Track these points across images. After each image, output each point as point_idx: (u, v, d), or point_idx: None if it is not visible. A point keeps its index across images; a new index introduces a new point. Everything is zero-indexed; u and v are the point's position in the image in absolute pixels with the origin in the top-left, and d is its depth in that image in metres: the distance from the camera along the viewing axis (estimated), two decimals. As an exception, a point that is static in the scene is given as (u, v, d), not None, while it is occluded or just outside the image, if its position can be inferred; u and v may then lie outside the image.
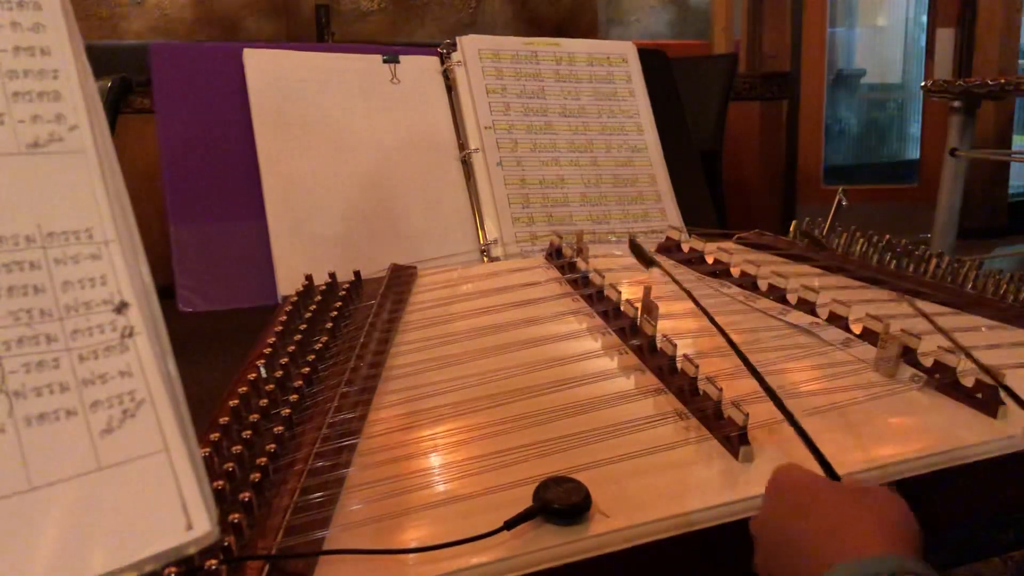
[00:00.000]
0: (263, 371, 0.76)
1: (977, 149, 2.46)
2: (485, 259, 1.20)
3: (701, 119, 2.33)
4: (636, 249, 0.85)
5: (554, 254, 1.10)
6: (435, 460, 0.64)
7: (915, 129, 3.88)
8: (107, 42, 3.10)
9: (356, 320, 0.91)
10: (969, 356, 0.66)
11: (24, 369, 0.34)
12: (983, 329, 0.87)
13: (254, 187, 1.14)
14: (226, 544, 0.51)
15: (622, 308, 0.85)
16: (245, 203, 1.14)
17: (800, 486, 0.50)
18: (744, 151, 3.07)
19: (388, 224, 1.18)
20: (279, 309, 0.95)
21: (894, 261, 1.06)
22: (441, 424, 0.69)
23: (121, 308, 0.37)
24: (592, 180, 1.30)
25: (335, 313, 0.89)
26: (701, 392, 0.68)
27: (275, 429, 0.65)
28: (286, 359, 0.77)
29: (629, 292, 0.87)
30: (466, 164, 1.26)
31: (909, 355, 0.74)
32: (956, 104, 2.15)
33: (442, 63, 1.32)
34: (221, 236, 1.13)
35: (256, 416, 0.66)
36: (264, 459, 0.60)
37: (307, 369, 0.76)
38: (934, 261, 1.02)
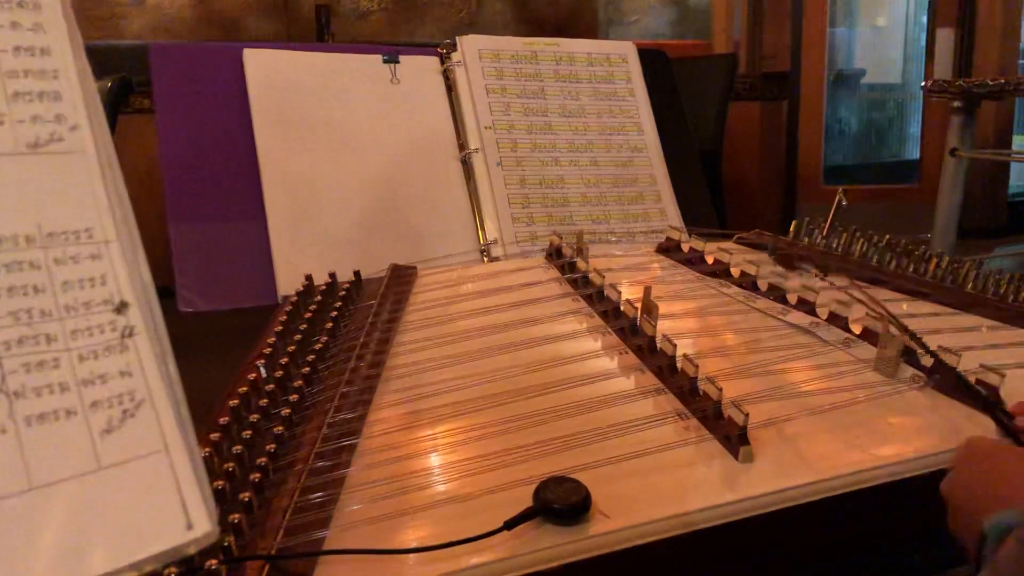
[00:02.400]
0: (263, 371, 0.76)
1: (977, 149, 2.46)
2: (485, 259, 1.20)
3: (701, 119, 2.33)
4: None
5: (554, 254, 1.10)
6: (435, 460, 0.64)
7: (915, 129, 3.88)
8: (107, 42, 3.09)
9: (356, 320, 0.91)
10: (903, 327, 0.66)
11: (24, 369, 0.34)
12: (983, 329, 0.87)
13: (254, 187, 1.14)
14: (226, 544, 0.51)
15: (622, 308, 0.85)
16: (245, 203, 1.14)
17: (988, 453, 0.53)
18: (744, 151, 3.07)
19: (388, 224, 1.18)
20: (279, 309, 0.95)
21: (894, 261, 1.06)
22: (441, 424, 0.69)
23: (121, 308, 0.37)
24: (592, 180, 1.30)
25: (335, 313, 0.89)
26: (701, 392, 0.68)
27: (275, 429, 0.65)
28: (286, 359, 0.77)
29: (629, 292, 0.87)
30: (466, 164, 1.26)
31: (909, 355, 0.74)
32: (956, 104, 2.15)
33: (442, 63, 1.32)
34: (221, 236, 1.13)
35: (256, 416, 0.66)
36: (264, 459, 0.60)
37: (307, 369, 0.76)
38: (934, 261, 1.01)
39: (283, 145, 1.17)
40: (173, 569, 0.47)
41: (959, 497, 0.52)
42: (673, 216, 1.31)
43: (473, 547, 0.52)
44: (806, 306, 0.89)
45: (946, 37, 3.12)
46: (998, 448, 0.54)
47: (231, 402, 0.68)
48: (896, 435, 0.65)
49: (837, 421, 0.66)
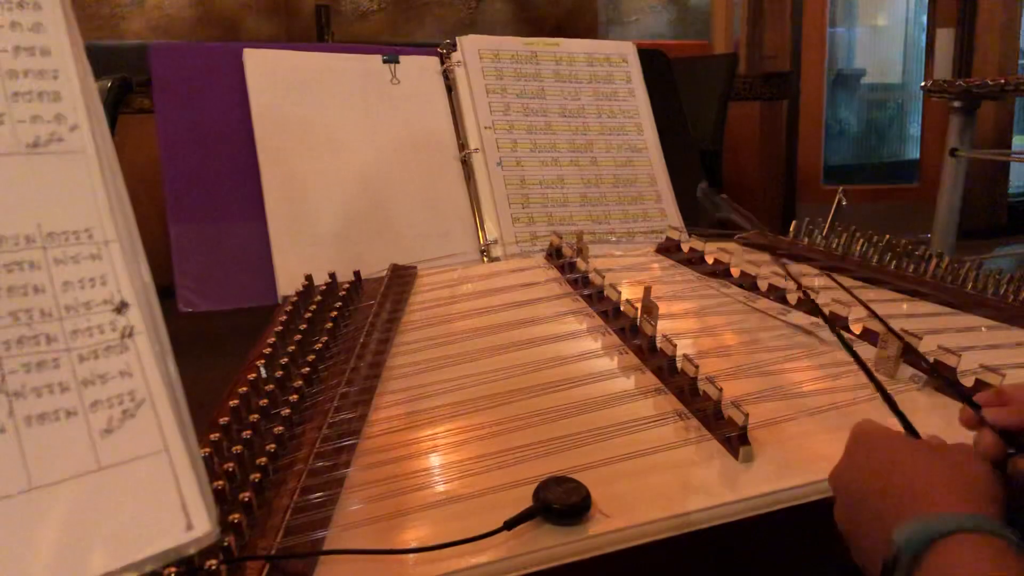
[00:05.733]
0: (263, 371, 0.76)
1: (977, 149, 2.46)
2: (485, 259, 1.20)
3: (701, 119, 2.33)
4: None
5: (554, 254, 1.10)
6: (435, 460, 0.64)
7: (915, 129, 3.88)
8: (107, 42, 3.09)
9: (356, 320, 0.91)
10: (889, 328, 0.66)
11: (24, 369, 0.34)
12: (983, 329, 0.87)
13: (254, 187, 1.14)
14: (226, 544, 0.51)
15: (622, 308, 0.85)
16: (245, 203, 1.14)
17: (879, 441, 0.49)
18: (744, 151, 3.07)
19: (388, 224, 1.18)
20: (279, 309, 0.95)
21: (894, 261, 1.06)
22: (441, 424, 0.69)
23: (121, 308, 0.37)
24: (592, 180, 1.30)
25: (335, 313, 0.89)
26: (701, 392, 0.68)
27: (275, 429, 0.65)
28: (286, 359, 0.77)
29: (629, 292, 0.87)
30: (466, 164, 1.26)
31: (909, 355, 0.74)
32: (956, 104, 2.15)
33: (442, 63, 1.32)
34: (221, 236, 1.13)
35: (256, 416, 0.66)
36: (264, 459, 0.60)
37: (307, 369, 0.76)
38: (934, 261, 1.01)
39: (283, 145, 1.17)
40: (173, 569, 0.47)
41: (852, 490, 0.48)
42: (673, 216, 1.31)
43: (473, 547, 0.52)
44: (806, 306, 0.89)
45: (946, 37, 3.12)
46: (890, 436, 0.49)
47: (231, 402, 0.68)
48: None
49: (837, 421, 0.66)
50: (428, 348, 0.84)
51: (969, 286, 0.97)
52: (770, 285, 0.95)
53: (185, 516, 0.36)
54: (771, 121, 3.09)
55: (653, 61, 1.44)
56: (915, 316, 0.91)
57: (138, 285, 0.38)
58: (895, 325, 0.77)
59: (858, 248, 1.09)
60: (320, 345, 0.81)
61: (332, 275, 1.01)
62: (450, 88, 1.31)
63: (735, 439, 0.61)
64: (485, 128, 1.27)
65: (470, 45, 1.32)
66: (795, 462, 0.61)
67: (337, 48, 1.47)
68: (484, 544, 0.52)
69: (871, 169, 4.07)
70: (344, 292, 0.97)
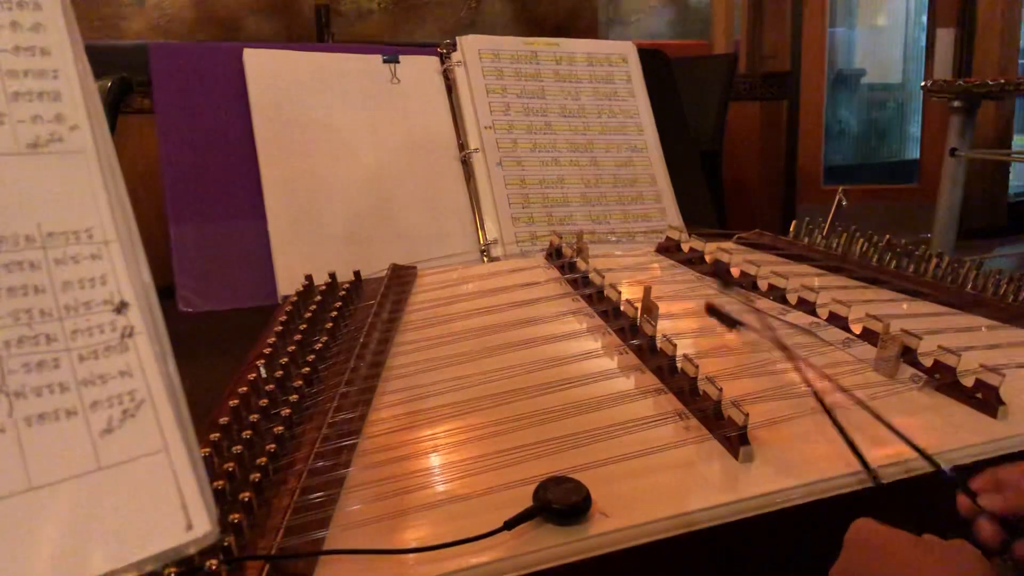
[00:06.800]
0: (263, 371, 0.76)
1: (977, 149, 2.46)
2: (485, 259, 1.20)
3: (701, 119, 2.33)
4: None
5: (554, 254, 1.10)
6: (435, 460, 0.64)
7: (915, 129, 3.88)
8: (107, 42, 3.09)
9: (356, 320, 0.91)
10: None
11: (24, 369, 0.34)
12: (983, 329, 0.87)
13: (254, 187, 1.14)
14: (226, 544, 0.51)
15: (622, 308, 0.85)
16: (245, 203, 1.14)
17: (876, 542, 0.50)
18: (744, 151, 3.07)
19: (388, 224, 1.18)
20: (279, 309, 0.95)
21: (894, 261, 1.06)
22: (441, 424, 0.69)
23: (121, 308, 0.37)
24: (592, 180, 1.30)
25: (335, 313, 0.89)
26: (701, 392, 0.68)
27: (275, 429, 0.65)
28: (286, 359, 0.77)
29: (629, 292, 0.87)
30: (466, 164, 1.26)
31: (909, 355, 0.74)
32: (956, 104, 2.15)
33: (442, 63, 1.32)
34: (221, 236, 1.13)
35: (256, 416, 0.66)
36: (264, 459, 0.60)
37: (307, 369, 0.76)
38: (934, 261, 1.01)
39: (283, 145, 1.17)
40: (173, 569, 0.47)
41: None
42: (673, 216, 1.31)
43: (473, 547, 0.52)
44: (806, 306, 0.89)
45: (946, 37, 3.12)
46: (890, 534, 0.50)
47: (231, 402, 0.68)
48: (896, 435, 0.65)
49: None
50: (428, 348, 0.84)
51: (969, 286, 0.97)
52: (770, 285, 0.95)
53: (185, 516, 0.36)
54: (771, 121, 3.09)
55: (653, 61, 1.44)
56: (915, 316, 0.91)
57: (138, 285, 0.38)
58: (895, 325, 0.77)
59: (858, 248, 1.09)
60: (320, 345, 0.81)
61: (332, 275, 1.01)
62: (450, 88, 1.31)
63: (735, 439, 0.61)
64: (485, 128, 1.27)
65: (470, 45, 1.32)
66: (795, 462, 0.61)
67: (337, 48, 1.47)
68: (484, 544, 0.52)
69: (871, 169, 4.08)
70: (344, 292, 0.97)
